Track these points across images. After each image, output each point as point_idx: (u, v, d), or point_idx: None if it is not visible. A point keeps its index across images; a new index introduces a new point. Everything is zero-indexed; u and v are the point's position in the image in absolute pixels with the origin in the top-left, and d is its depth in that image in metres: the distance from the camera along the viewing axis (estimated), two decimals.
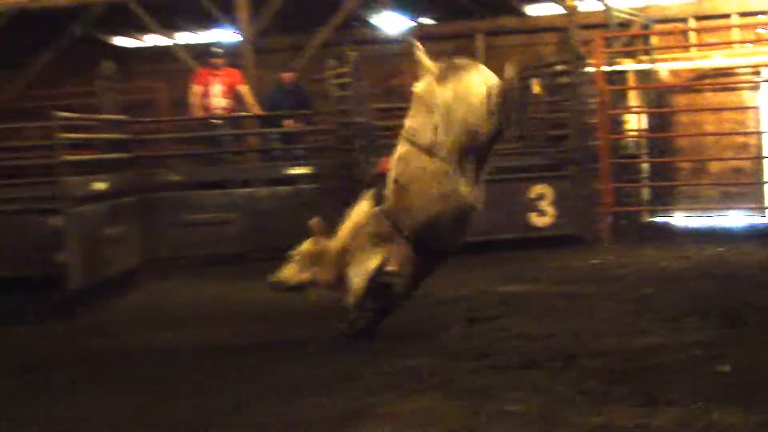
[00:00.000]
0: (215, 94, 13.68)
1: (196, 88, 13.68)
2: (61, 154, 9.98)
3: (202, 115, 13.71)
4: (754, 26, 16.51)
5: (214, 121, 13.59)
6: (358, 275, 7.19)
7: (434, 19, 19.57)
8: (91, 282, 10.02)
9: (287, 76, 14.15)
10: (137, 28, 19.52)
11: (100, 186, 10.81)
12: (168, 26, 18.40)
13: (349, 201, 7.99)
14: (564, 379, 6.12)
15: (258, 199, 12.37)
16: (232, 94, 13.76)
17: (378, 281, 7.15)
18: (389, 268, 7.14)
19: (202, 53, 15.42)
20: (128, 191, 11.46)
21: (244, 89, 13.78)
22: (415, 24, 19.51)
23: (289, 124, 13.79)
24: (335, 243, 7.42)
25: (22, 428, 5.81)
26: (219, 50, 14.11)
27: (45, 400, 6.38)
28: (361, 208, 7.47)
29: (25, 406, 6.27)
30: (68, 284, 9.60)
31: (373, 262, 7.14)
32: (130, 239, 11.21)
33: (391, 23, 19.45)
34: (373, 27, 19.51)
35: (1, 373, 7.23)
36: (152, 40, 20.25)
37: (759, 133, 15.37)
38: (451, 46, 18.59)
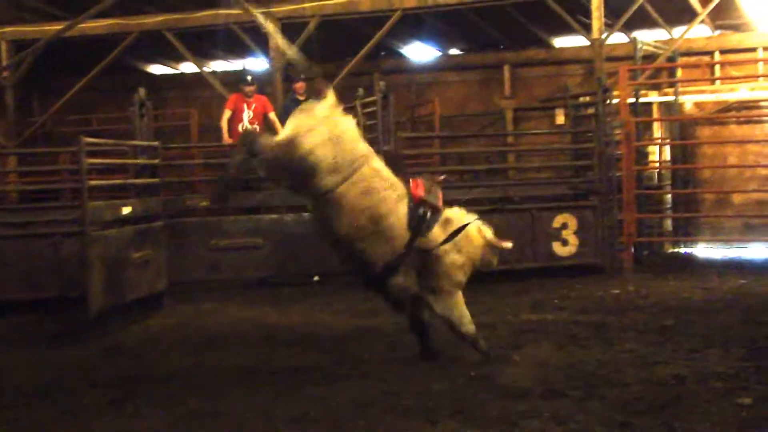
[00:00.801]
0: (245, 119, 13.89)
1: (227, 112, 13.87)
2: (86, 178, 10.15)
3: (231, 141, 13.89)
4: None
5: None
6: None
7: (462, 49, 19.76)
8: (111, 304, 10.15)
9: (299, 86, 14.31)
10: (171, 56, 19.87)
11: (124, 211, 10.99)
12: (201, 54, 18.72)
13: None
14: (585, 409, 6.23)
15: (284, 224, 12.50)
16: (261, 120, 13.95)
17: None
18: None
19: (234, 80, 15.64)
20: (153, 216, 11.61)
21: (273, 116, 13.97)
22: (442, 54, 19.72)
23: None
24: None
25: None
26: (250, 77, 14.31)
27: (83, 420, 6.53)
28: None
29: (65, 426, 6.43)
30: (89, 307, 9.73)
31: None
32: (156, 263, 11.35)
33: (419, 53, 19.67)
34: (401, 57, 19.74)
35: (39, 393, 7.37)
36: (186, 67, 20.59)
37: None
38: (479, 76, 18.87)
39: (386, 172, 7.52)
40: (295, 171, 7.24)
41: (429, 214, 7.45)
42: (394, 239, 7.35)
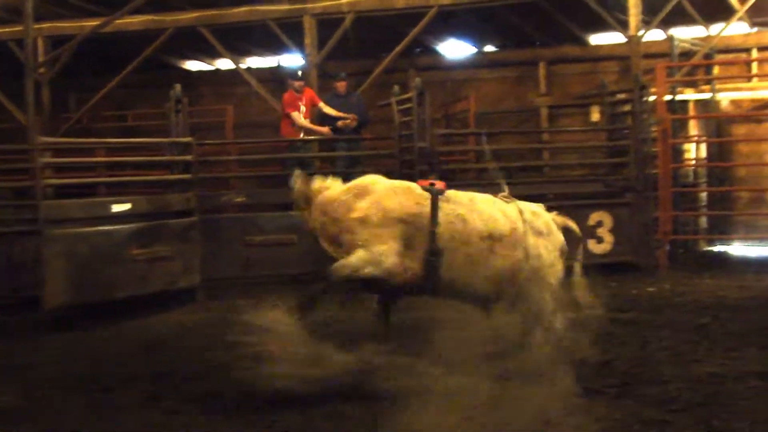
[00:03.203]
0: (300, 114, 14.10)
1: (296, 115, 14.05)
2: (42, 177, 10.37)
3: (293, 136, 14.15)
4: None
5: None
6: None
7: (497, 46, 19.73)
8: (75, 302, 10.22)
9: (340, 84, 14.44)
10: (207, 53, 19.98)
11: (115, 208, 11.11)
12: (236, 51, 18.80)
13: None
14: (622, 407, 6.23)
15: None
16: (309, 113, 14.16)
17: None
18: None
19: (273, 77, 15.72)
20: (182, 212, 11.71)
21: (322, 105, 14.18)
22: (477, 51, 19.69)
23: (340, 125, 14.04)
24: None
25: None
26: (299, 73, 14.53)
27: (119, 415, 6.59)
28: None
29: (105, 420, 6.49)
30: (42, 304, 9.84)
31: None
32: (182, 259, 11.41)
33: (454, 50, 19.66)
34: (437, 54, 19.73)
35: (74, 387, 7.44)
36: (221, 64, 20.69)
37: None
38: (514, 73, 18.82)
39: None
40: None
41: None
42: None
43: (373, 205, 7.03)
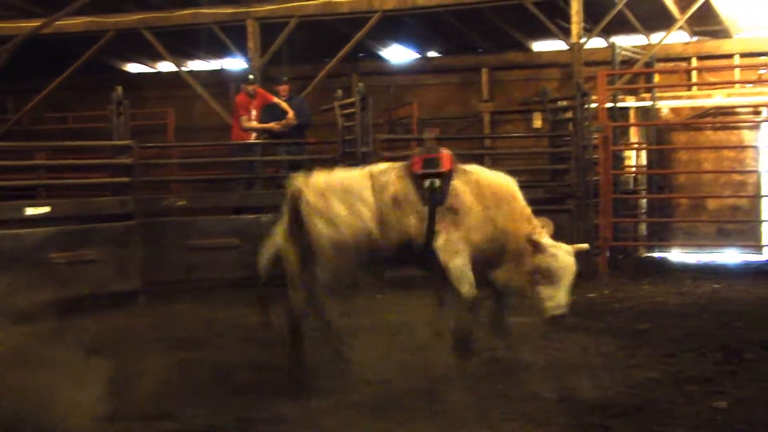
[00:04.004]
0: (252, 119, 14.02)
1: (244, 119, 13.97)
2: None
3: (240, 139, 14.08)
4: (756, 67, 16.70)
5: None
6: None
7: (440, 52, 19.78)
8: None
9: (282, 88, 14.36)
10: (149, 55, 19.80)
11: (28, 211, 11.07)
12: (179, 54, 18.66)
13: None
14: (563, 412, 6.24)
15: (262, 225, 12.45)
16: (260, 113, 14.09)
17: None
18: None
19: (215, 80, 15.62)
20: (117, 215, 11.65)
21: (277, 101, 14.08)
22: (421, 57, 19.74)
23: (275, 127, 13.98)
24: None
25: None
26: (252, 75, 14.46)
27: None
28: None
29: None
30: None
31: None
32: (116, 262, 11.31)
33: (398, 55, 19.68)
34: (380, 59, 19.74)
35: None
36: (164, 66, 20.52)
37: (757, 172, 15.57)
38: (457, 79, 18.87)
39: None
40: None
41: (437, 182, 7.45)
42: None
43: None
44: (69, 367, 7.03)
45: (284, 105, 14.05)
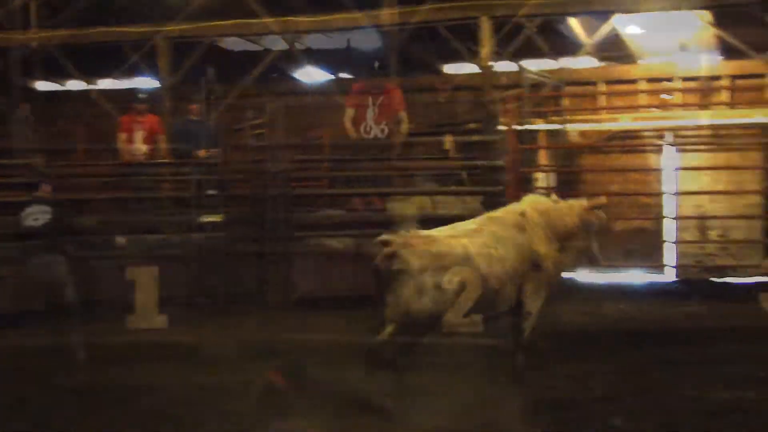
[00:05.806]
0: (137, 140, 13.84)
1: (122, 136, 13.78)
2: None
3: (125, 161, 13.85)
4: (659, 92, 17.05)
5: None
6: None
7: (352, 74, 19.83)
8: None
9: (194, 108, 14.26)
10: (58, 73, 19.49)
11: None
12: (89, 72, 18.42)
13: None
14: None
15: (171, 246, 12.36)
16: (152, 140, 13.89)
17: None
18: None
19: (125, 99, 15.45)
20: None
21: (161, 137, 13.91)
22: (333, 78, 19.77)
23: (202, 154, 13.87)
24: None
25: None
26: (143, 96, 14.26)
27: None
28: None
29: None
30: None
31: None
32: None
33: (311, 76, 19.69)
34: (293, 80, 19.73)
35: None
36: (72, 85, 20.22)
37: (660, 195, 15.87)
38: (368, 101, 18.88)
39: None
40: None
41: None
42: None
43: None
44: None
45: (162, 140, 13.91)
